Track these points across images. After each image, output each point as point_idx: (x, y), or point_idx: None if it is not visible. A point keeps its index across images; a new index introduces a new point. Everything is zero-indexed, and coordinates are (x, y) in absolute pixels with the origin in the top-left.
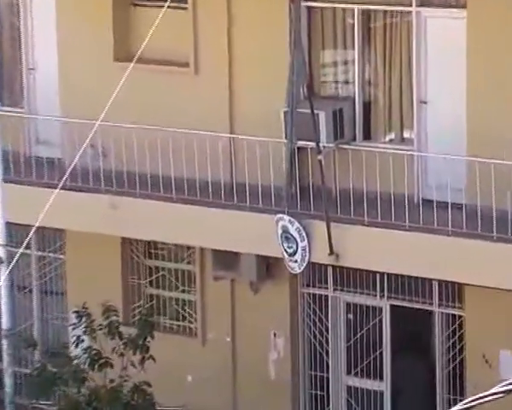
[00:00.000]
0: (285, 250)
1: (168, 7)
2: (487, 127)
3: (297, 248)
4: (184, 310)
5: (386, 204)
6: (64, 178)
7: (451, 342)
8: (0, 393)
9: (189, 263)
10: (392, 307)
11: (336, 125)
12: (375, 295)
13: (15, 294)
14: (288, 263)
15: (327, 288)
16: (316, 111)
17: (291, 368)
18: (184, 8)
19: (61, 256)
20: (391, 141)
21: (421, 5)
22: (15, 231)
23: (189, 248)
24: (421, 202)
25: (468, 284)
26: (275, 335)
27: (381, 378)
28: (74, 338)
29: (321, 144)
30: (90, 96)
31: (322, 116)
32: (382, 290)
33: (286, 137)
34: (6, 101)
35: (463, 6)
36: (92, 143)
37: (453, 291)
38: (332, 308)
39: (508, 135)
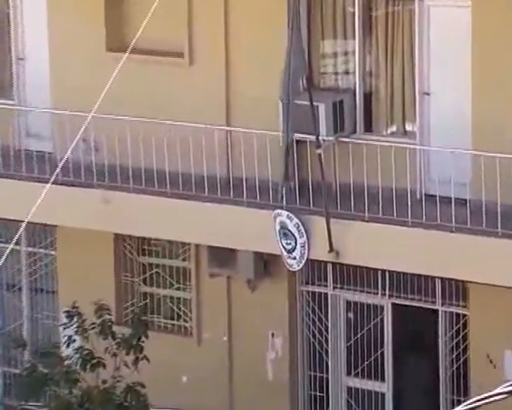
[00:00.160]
0: (283, 247)
1: None
2: (493, 119)
3: (296, 244)
4: (179, 308)
5: (388, 199)
6: (56, 173)
7: (455, 341)
8: None
9: (184, 260)
10: (394, 305)
11: (336, 117)
12: (377, 294)
13: (4, 292)
14: (286, 260)
15: (326, 286)
16: (315, 103)
17: (289, 368)
18: None
19: (52, 253)
20: (392, 134)
21: None
22: (4, 227)
23: (184, 244)
24: (423, 197)
25: (472, 282)
26: (273, 334)
27: (383, 379)
28: (65, 338)
29: (320, 137)
30: (82, 87)
31: (321, 108)
32: (384, 288)
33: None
34: None
35: None
36: (84, 137)
37: (457, 289)
38: (332, 307)
39: None
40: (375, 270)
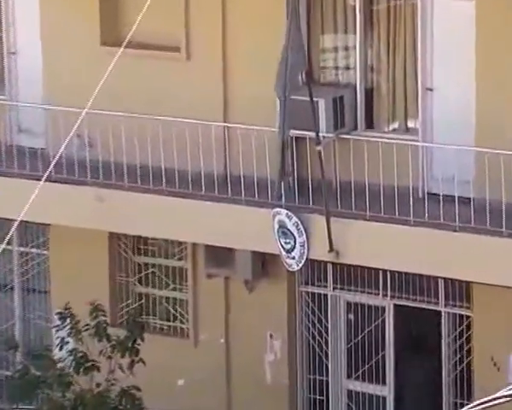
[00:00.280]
0: (282, 246)
1: None
2: (497, 116)
3: (295, 244)
4: (175, 310)
5: (390, 198)
6: (49, 170)
7: (458, 343)
8: None
9: (180, 260)
10: (396, 306)
11: (337, 113)
12: (378, 294)
13: None
14: (285, 260)
15: (326, 286)
16: (315, 99)
17: (288, 371)
18: None
19: (45, 252)
20: (394, 130)
21: None
22: None
23: (180, 243)
24: (426, 195)
25: (476, 283)
26: (271, 336)
27: (384, 382)
28: (58, 340)
29: (320, 134)
30: (76, 82)
31: (321, 104)
32: (385, 289)
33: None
34: None
35: None
36: (78, 133)
37: (460, 290)
38: (332, 308)
39: None
40: (377, 270)
